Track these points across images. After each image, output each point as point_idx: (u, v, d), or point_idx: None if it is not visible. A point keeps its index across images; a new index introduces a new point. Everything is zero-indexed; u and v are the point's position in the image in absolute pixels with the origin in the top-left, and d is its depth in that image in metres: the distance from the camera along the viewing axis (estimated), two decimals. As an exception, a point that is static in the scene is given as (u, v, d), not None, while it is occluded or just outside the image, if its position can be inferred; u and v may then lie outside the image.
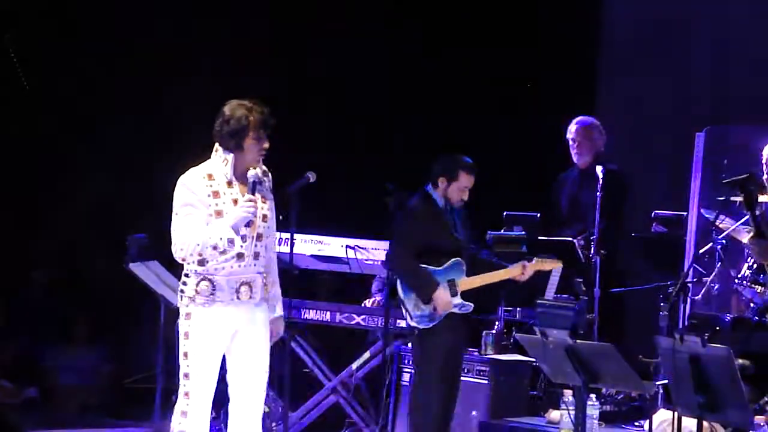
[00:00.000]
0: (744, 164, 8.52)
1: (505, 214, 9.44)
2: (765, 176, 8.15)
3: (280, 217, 7.08)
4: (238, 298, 6.40)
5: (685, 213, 8.99)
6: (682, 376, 5.82)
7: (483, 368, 8.30)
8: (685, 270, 7.30)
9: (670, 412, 6.76)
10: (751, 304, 7.76)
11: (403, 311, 7.87)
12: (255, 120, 6.34)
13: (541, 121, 9.71)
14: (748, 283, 7.69)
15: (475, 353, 8.46)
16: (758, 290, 7.62)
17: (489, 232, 8.97)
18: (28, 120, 10.50)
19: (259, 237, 6.42)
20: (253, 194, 6.34)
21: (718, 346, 5.94)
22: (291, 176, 7.16)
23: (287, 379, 7.31)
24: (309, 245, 8.85)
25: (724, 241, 7.89)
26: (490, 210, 9.39)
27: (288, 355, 7.33)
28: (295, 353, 8.79)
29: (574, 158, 9.35)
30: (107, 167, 10.43)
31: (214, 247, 6.28)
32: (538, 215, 9.53)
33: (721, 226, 7.72)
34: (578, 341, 6.31)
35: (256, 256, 6.43)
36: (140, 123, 10.52)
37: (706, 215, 8.51)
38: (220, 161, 6.41)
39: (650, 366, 7.43)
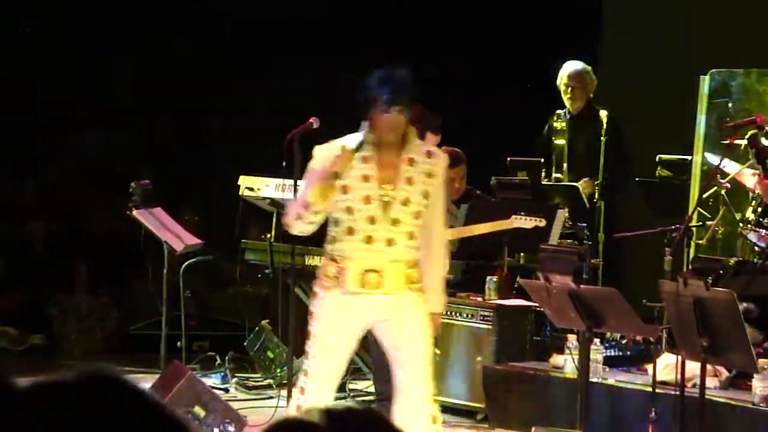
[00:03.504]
0: (748, 108, 8.49)
1: (509, 159, 9.41)
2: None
3: (283, 164, 7.02)
4: (363, 286, 5.81)
5: (689, 157, 8.96)
6: (686, 320, 5.82)
7: (487, 314, 8.28)
8: (690, 214, 7.27)
9: (674, 356, 6.77)
10: (755, 248, 7.75)
11: None
12: (386, 91, 5.70)
13: (549, 64, 9.64)
14: (752, 227, 7.68)
15: (479, 299, 8.45)
16: (762, 234, 7.61)
17: (493, 177, 8.95)
18: (25, 71, 10.46)
19: (395, 222, 5.80)
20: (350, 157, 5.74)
21: (722, 289, 5.95)
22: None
23: (291, 325, 7.30)
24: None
25: (728, 185, 7.88)
26: (495, 155, 9.36)
27: (293, 302, 7.33)
28: (300, 299, 8.81)
29: (567, 103, 9.39)
30: (105, 117, 10.39)
31: (306, 207, 5.72)
32: (543, 160, 9.51)
33: (725, 169, 7.70)
34: (582, 286, 6.32)
35: (390, 242, 5.80)
36: (139, 74, 10.47)
37: (711, 159, 8.49)
38: (359, 134, 5.87)
39: (654, 310, 7.43)
